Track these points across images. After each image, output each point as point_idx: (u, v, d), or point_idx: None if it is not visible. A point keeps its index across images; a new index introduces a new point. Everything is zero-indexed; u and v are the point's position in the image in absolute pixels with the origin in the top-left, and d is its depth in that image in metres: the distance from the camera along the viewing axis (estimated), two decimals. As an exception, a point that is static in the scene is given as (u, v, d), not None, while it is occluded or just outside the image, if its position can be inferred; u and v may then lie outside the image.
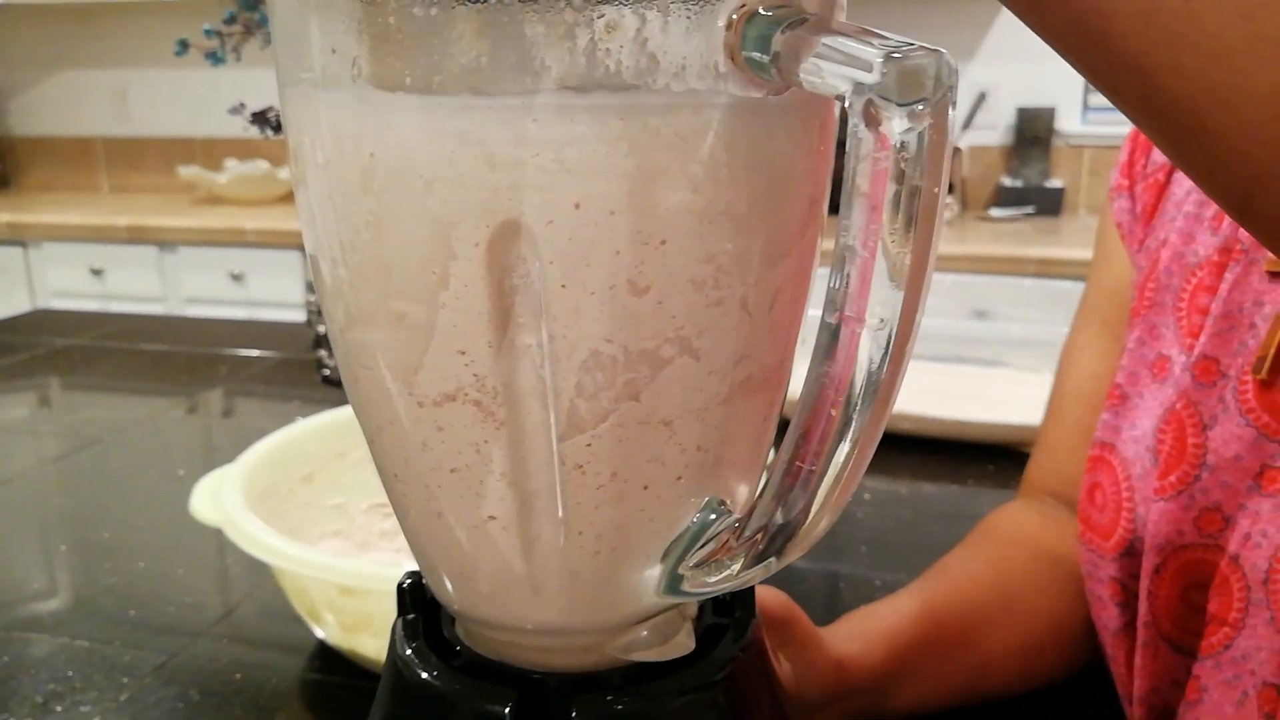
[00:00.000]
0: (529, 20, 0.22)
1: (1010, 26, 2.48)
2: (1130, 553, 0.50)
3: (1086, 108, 2.54)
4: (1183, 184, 0.54)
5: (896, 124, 0.20)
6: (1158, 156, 0.57)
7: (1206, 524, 0.46)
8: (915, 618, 0.53)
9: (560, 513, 0.27)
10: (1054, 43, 0.24)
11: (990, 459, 0.92)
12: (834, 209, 0.21)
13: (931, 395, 0.96)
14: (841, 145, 0.23)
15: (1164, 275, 0.52)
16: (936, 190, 0.21)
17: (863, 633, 0.51)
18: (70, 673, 0.60)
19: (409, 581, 0.33)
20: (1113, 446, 0.52)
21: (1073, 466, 0.60)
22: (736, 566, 0.26)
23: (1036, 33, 0.24)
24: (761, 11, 0.23)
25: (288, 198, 2.78)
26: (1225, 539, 0.45)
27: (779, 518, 0.25)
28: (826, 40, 0.21)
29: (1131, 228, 0.58)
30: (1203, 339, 0.47)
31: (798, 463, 0.24)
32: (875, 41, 0.21)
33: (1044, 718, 0.56)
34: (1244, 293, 0.47)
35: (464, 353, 0.25)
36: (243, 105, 0.85)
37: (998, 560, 0.58)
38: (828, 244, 0.24)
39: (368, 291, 0.26)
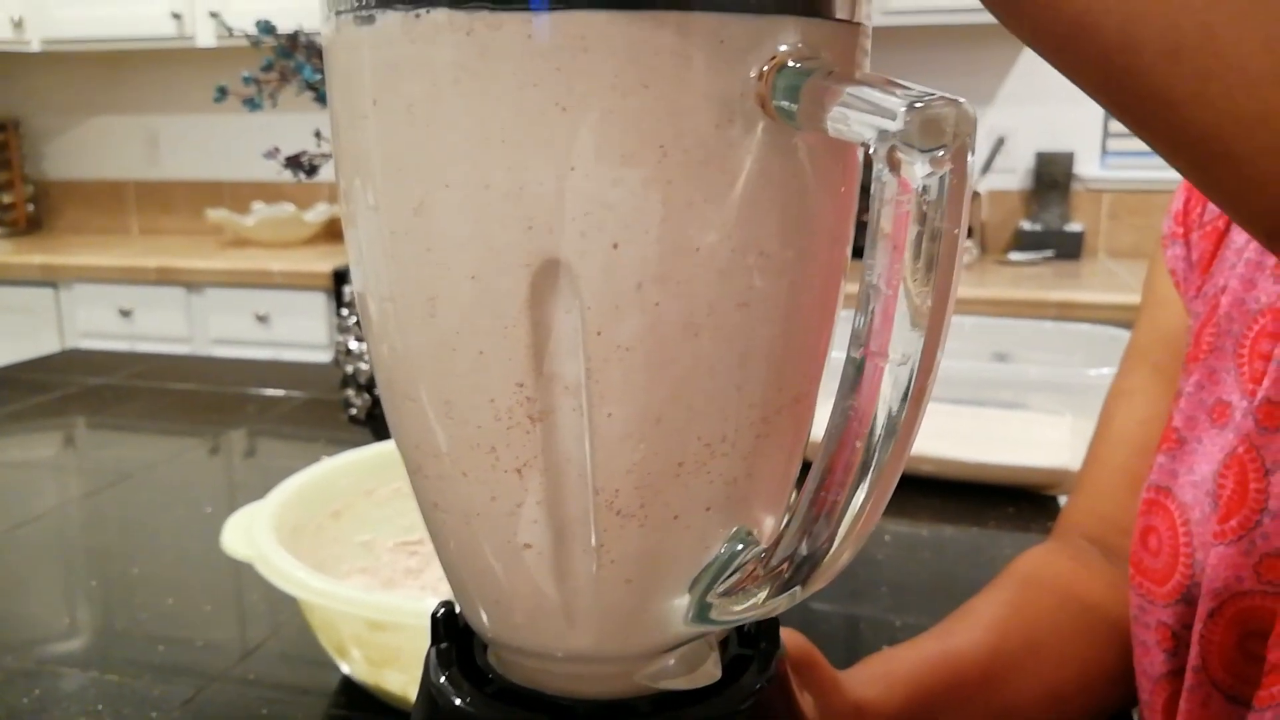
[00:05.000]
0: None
1: (1029, 72, 2.51)
2: (1186, 599, 0.50)
3: (1105, 152, 2.55)
4: (1244, 231, 0.54)
5: (919, 169, 0.22)
6: None
7: (1267, 570, 0.46)
8: (936, 662, 0.53)
9: (593, 542, 0.28)
10: (1079, 79, 0.25)
11: (1011, 501, 0.92)
12: (858, 254, 0.23)
13: (952, 437, 0.96)
14: (865, 190, 0.24)
15: (1224, 321, 0.52)
16: (956, 232, 0.22)
17: (883, 676, 0.51)
18: (100, 706, 0.61)
19: (442, 611, 0.34)
20: (1169, 491, 0.52)
21: (1116, 510, 0.60)
22: (762, 595, 0.27)
23: (1062, 72, 0.25)
24: (791, 63, 0.24)
25: (313, 240, 2.83)
26: None
27: (804, 548, 0.26)
28: (852, 90, 0.22)
29: (1186, 275, 0.58)
30: (1266, 384, 0.47)
31: (823, 494, 0.25)
32: (898, 91, 0.22)
33: (1066, 761, 0.56)
34: None
35: (505, 386, 0.26)
36: (277, 149, 0.87)
37: (1025, 605, 0.57)
38: (851, 288, 0.25)
39: (414, 327, 0.27)
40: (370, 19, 0.25)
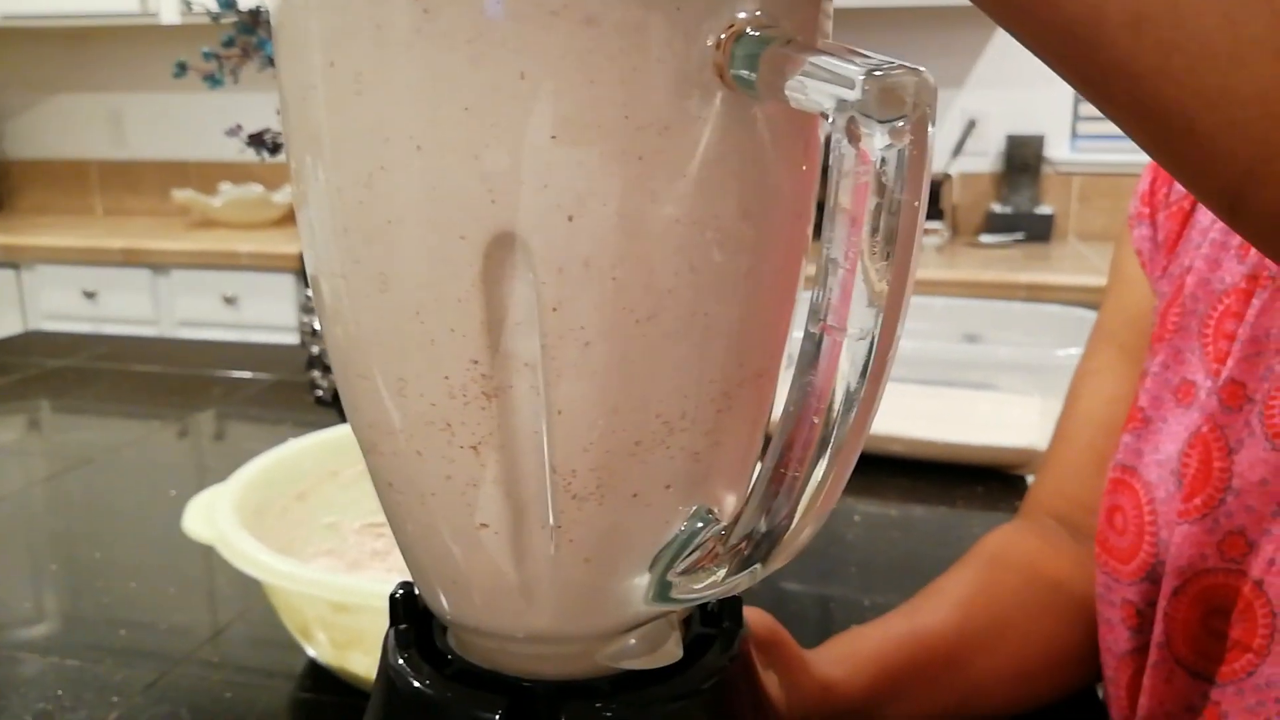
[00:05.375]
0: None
1: (1000, 55, 2.51)
2: (1150, 577, 0.50)
3: (1075, 135, 2.56)
4: (1208, 212, 0.54)
5: (877, 140, 0.21)
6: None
7: (1230, 548, 0.46)
8: (903, 641, 0.53)
9: (551, 521, 0.27)
10: (1043, 53, 0.25)
11: (980, 481, 0.92)
12: (818, 233, 0.22)
13: (922, 418, 0.96)
14: (825, 168, 0.24)
15: (1189, 301, 0.52)
16: (917, 204, 0.22)
17: (850, 655, 0.51)
18: (60, 691, 0.60)
19: (401, 592, 0.33)
20: (1134, 470, 0.52)
21: (1081, 489, 0.60)
22: (722, 573, 0.27)
23: (1025, 44, 0.25)
24: (749, 32, 0.23)
25: (282, 221, 2.79)
26: (1248, 564, 0.45)
27: (763, 525, 0.25)
28: (811, 58, 0.22)
29: (1153, 255, 0.58)
30: (1230, 364, 0.48)
31: (781, 470, 0.24)
32: (857, 60, 0.21)
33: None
34: (1272, 319, 0.47)
35: (460, 363, 0.26)
36: (239, 127, 0.86)
37: (992, 584, 0.58)
38: (813, 269, 0.25)
39: (367, 303, 0.26)
40: (317, -16, 0.24)
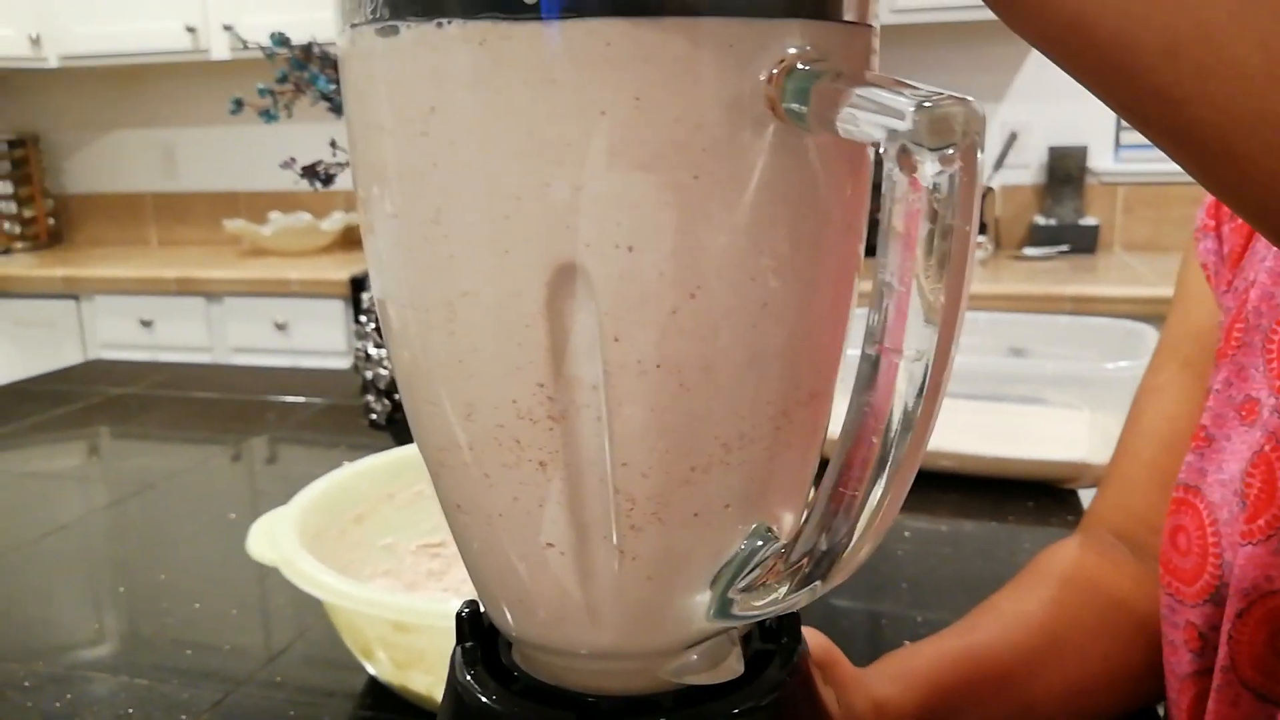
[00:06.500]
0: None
1: (1040, 67, 2.50)
2: (1215, 600, 0.49)
3: (1119, 145, 2.54)
4: None
5: (929, 168, 0.22)
6: None
7: None
8: (957, 659, 0.53)
9: (615, 540, 0.28)
10: (1081, 78, 0.26)
11: (1030, 496, 0.92)
12: (870, 251, 0.23)
13: (970, 433, 0.96)
14: (877, 188, 0.25)
15: (1253, 316, 0.51)
16: (968, 229, 0.22)
17: (903, 673, 0.51)
18: (130, 710, 0.61)
19: (467, 610, 0.34)
20: (1198, 490, 0.52)
21: (1144, 506, 0.59)
22: (783, 590, 0.27)
23: (1063, 69, 0.26)
24: (799, 66, 0.24)
25: (330, 248, 2.84)
26: None
27: (823, 543, 0.26)
28: (861, 91, 0.23)
29: (1218, 269, 0.57)
30: None
31: (841, 489, 0.25)
32: (907, 91, 0.22)
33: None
34: None
35: (526, 388, 0.27)
36: (293, 160, 0.88)
37: (1049, 601, 0.57)
38: (866, 285, 0.26)
39: (434, 332, 0.27)
40: (385, 31, 0.25)
